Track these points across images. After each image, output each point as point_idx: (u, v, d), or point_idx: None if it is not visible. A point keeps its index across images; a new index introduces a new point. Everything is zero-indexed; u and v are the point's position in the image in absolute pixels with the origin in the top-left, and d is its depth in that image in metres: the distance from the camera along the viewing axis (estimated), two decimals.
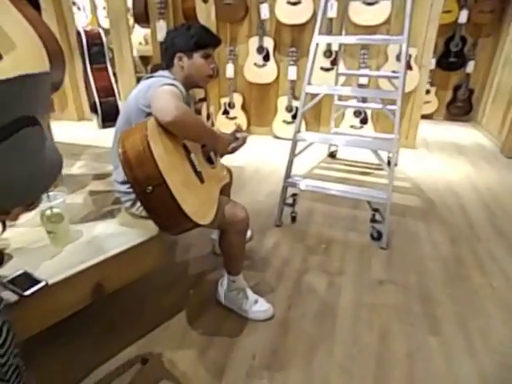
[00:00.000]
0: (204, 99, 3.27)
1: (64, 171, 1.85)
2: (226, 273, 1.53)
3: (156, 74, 1.37)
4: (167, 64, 1.42)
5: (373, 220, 2.09)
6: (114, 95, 1.79)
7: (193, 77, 1.42)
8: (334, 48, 3.56)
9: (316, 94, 2.21)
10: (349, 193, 2.07)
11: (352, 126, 3.68)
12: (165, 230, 1.13)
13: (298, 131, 2.21)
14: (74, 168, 1.95)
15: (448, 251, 2.04)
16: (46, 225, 1.19)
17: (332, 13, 3.48)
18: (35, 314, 1.05)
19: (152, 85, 1.25)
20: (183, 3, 2.78)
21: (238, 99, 4.15)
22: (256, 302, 1.55)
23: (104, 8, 4.45)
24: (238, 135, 1.73)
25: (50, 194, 1.19)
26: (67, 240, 1.25)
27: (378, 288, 1.74)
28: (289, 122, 4.00)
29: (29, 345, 1.07)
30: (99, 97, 1.70)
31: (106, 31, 3.48)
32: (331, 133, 3.30)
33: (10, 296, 1.01)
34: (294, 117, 3.96)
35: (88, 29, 1.82)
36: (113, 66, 2.73)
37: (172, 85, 1.24)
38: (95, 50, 1.71)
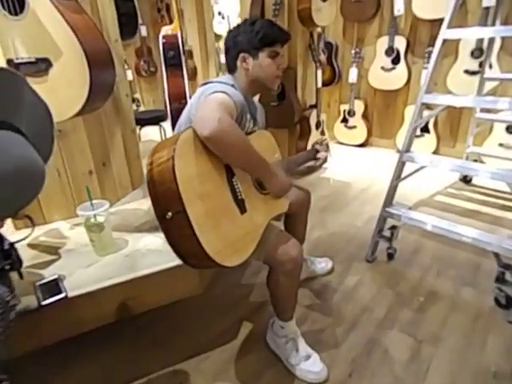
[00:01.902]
0: (315, 106, 3.02)
1: None
2: (276, 315, 1.30)
3: (214, 79, 1.23)
4: (230, 68, 1.26)
5: (500, 279, 1.51)
6: (186, 103, 1.74)
7: (259, 80, 1.23)
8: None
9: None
10: (465, 236, 1.54)
11: (501, 145, 2.87)
12: (184, 263, 0.98)
13: (407, 150, 1.79)
14: None
15: None
16: (88, 233, 1.18)
17: (489, 1, 2.76)
18: (50, 325, 1.04)
19: (204, 92, 1.11)
20: (298, 4, 2.60)
21: (359, 106, 3.75)
22: (308, 358, 1.27)
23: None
24: (319, 155, 1.48)
25: (95, 201, 1.18)
26: (108, 250, 1.22)
27: (489, 382, 1.23)
28: (417, 136, 3.40)
29: (71, 344, 1.06)
30: (170, 103, 1.69)
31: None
32: (466, 152, 2.63)
33: (32, 302, 1.01)
34: (425, 129, 3.35)
35: (167, 33, 1.82)
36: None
37: (224, 92, 1.07)
38: (171, 54, 1.70)
